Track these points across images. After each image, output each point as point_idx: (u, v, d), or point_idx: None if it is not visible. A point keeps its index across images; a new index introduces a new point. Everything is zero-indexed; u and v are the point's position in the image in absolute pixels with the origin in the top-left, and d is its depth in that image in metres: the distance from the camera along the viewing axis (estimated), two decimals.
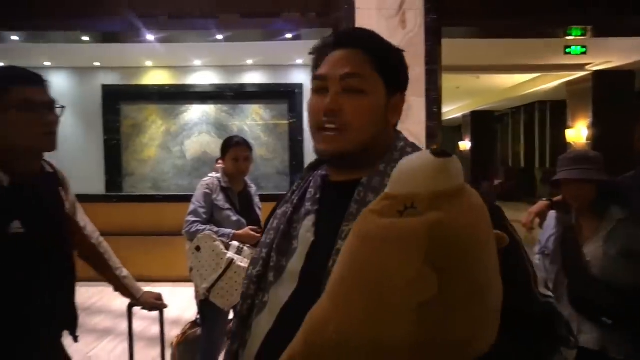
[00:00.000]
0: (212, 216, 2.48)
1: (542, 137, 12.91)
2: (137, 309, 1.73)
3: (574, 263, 1.78)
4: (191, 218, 2.45)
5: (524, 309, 0.60)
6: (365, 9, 3.31)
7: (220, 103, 7.51)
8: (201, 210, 2.45)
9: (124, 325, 3.86)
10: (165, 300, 1.74)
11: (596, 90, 8.16)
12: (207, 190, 2.49)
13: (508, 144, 15.21)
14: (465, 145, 15.13)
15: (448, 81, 7.04)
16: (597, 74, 8.05)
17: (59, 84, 6.98)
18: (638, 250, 1.67)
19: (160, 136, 7.59)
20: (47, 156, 1.40)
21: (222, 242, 2.34)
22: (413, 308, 0.43)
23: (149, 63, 7.25)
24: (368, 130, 0.78)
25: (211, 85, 7.43)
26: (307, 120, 0.84)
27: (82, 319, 1.48)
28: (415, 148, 0.82)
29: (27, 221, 1.23)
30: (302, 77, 7.14)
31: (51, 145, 1.29)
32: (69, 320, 1.42)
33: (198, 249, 2.31)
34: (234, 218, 2.48)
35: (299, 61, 6.93)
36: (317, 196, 0.81)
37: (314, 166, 0.90)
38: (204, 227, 2.40)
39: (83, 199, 1.58)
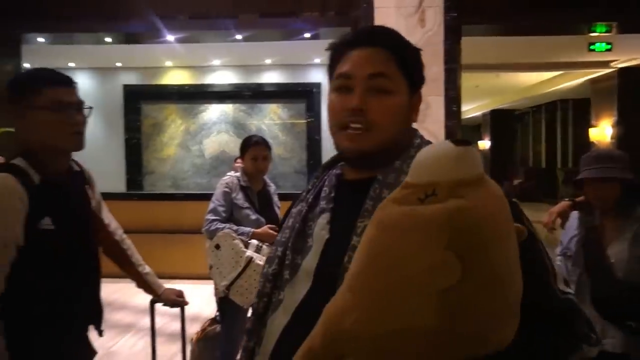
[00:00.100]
0: (232, 215, 2.51)
1: (564, 136, 12.66)
2: (157, 305, 1.76)
3: (598, 265, 1.75)
4: (211, 216, 2.48)
5: (543, 305, 0.60)
6: (384, 8, 3.29)
7: (239, 102, 7.57)
8: (221, 209, 2.48)
9: (144, 320, 3.94)
10: (185, 297, 1.76)
11: (621, 88, 7.96)
12: (227, 189, 2.52)
13: (528, 143, 14.96)
14: (484, 144, 14.94)
15: (467, 80, 6.95)
16: (623, 71, 7.86)
17: (82, 84, 7.08)
18: None
19: (179, 135, 7.69)
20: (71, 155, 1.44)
21: (242, 240, 2.36)
22: (435, 294, 0.43)
23: (168, 63, 7.35)
24: (392, 130, 0.78)
25: (230, 84, 7.50)
26: (326, 118, 0.84)
27: (105, 314, 1.51)
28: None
29: (56, 218, 1.27)
30: (320, 77, 7.15)
31: (79, 145, 1.33)
32: (95, 314, 1.45)
33: (218, 247, 2.33)
34: (253, 217, 2.50)
35: (317, 60, 6.94)
36: (332, 194, 0.82)
37: (329, 165, 0.91)
38: (223, 225, 2.42)
39: (105, 197, 1.61)
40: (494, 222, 0.47)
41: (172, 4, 3.89)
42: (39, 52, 5.29)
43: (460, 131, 3.46)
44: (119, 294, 4.44)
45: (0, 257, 1.17)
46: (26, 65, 4.74)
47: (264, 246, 2.39)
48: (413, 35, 3.25)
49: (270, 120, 7.57)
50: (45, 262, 1.26)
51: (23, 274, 1.20)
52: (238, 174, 2.61)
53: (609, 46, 5.72)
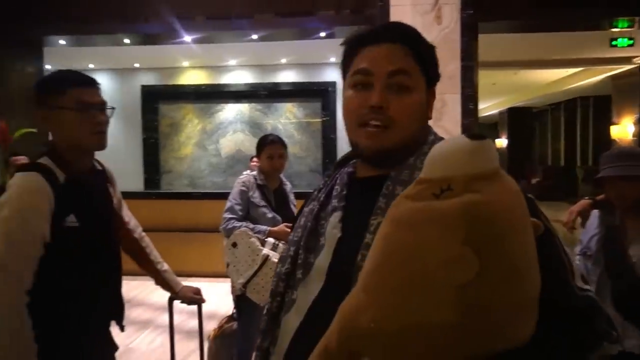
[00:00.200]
0: (248, 213, 2.52)
1: (584, 134, 12.41)
2: (175, 303, 1.78)
3: (618, 264, 1.71)
4: (228, 215, 2.50)
5: (560, 301, 0.58)
6: (400, 5, 3.28)
7: (255, 102, 7.62)
8: (237, 208, 2.50)
9: (162, 317, 3.99)
10: (202, 295, 1.77)
11: None
12: (244, 188, 2.54)
13: (547, 141, 14.70)
14: (501, 142, 14.76)
15: (484, 77, 6.87)
16: None
17: (101, 85, 7.25)
18: None
19: (196, 134, 7.77)
20: None
21: (258, 238, 2.38)
22: (452, 289, 0.43)
23: (185, 63, 7.43)
24: (412, 127, 0.78)
25: (246, 84, 7.55)
26: (342, 115, 0.82)
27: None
28: None
29: (80, 215, 1.30)
30: (335, 76, 7.15)
31: (102, 144, 1.37)
32: (116, 310, 1.49)
33: (235, 245, 2.35)
34: (270, 215, 2.51)
35: (333, 59, 6.94)
36: (344, 193, 0.81)
37: (341, 163, 0.90)
38: (240, 223, 2.44)
39: (123, 195, 1.64)
40: (511, 216, 0.46)
41: (190, 5, 3.94)
42: (60, 54, 5.40)
43: (477, 129, 3.43)
44: (138, 291, 4.52)
45: (29, 254, 1.21)
46: (48, 67, 4.84)
47: (281, 244, 2.40)
48: (429, 33, 3.23)
49: (286, 119, 7.60)
50: (70, 258, 1.29)
51: (49, 270, 1.24)
52: (255, 172, 2.62)
53: (631, 41, 5.58)
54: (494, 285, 0.43)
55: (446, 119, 3.29)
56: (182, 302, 1.74)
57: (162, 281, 1.70)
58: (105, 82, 7.50)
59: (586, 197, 1.98)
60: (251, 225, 2.44)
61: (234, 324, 2.58)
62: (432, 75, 0.81)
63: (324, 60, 7.08)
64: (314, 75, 7.38)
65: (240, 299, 2.42)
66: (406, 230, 0.47)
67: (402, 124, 0.76)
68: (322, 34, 4.00)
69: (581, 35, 5.38)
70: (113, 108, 1.41)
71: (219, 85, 7.60)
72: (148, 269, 1.69)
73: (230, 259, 2.38)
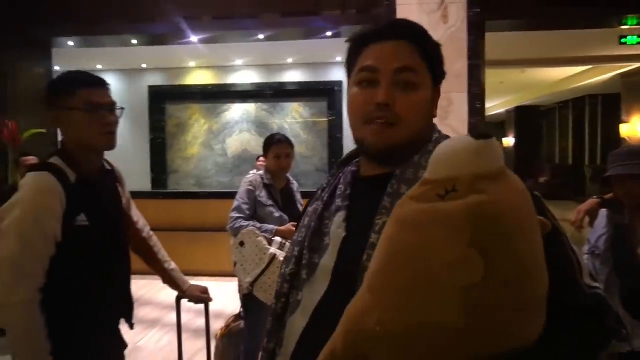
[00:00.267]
0: (256, 212, 2.53)
1: (592, 132, 12.31)
2: (182, 301, 1.79)
3: (627, 264, 1.70)
4: (235, 214, 2.51)
5: (569, 300, 0.58)
6: (406, 5, 3.28)
7: (261, 101, 7.63)
8: (245, 207, 2.51)
9: (170, 316, 4.02)
10: (209, 294, 1.77)
11: None
12: (251, 187, 2.55)
13: (555, 140, 14.60)
14: (508, 141, 14.67)
15: (491, 76, 6.84)
16: None
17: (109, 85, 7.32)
18: None
19: (203, 134, 7.80)
20: None
21: (265, 237, 2.38)
22: (457, 291, 0.42)
23: (192, 64, 7.46)
24: (418, 125, 0.77)
25: (252, 84, 7.57)
26: (347, 113, 0.82)
27: None
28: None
29: (91, 215, 1.32)
30: (341, 75, 7.15)
31: (111, 144, 1.38)
32: (126, 308, 1.50)
33: (242, 244, 2.36)
34: (277, 214, 2.52)
35: (339, 59, 6.94)
36: (347, 192, 0.81)
37: (345, 162, 0.89)
38: (247, 223, 2.45)
39: (131, 195, 1.65)
40: (517, 216, 0.46)
41: (196, 5, 3.96)
42: (68, 55, 5.44)
43: (484, 128, 3.41)
44: (146, 290, 4.54)
45: (41, 252, 1.23)
46: (56, 68, 4.89)
47: (288, 243, 2.40)
48: (436, 32, 3.21)
49: (292, 119, 7.61)
50: (80, 257, 1.31)
51: (60, 269, 1.26)
52: (261, 172, 2.63)
53: None
54: (500, 287, 0.43)
55: (453, 118, 3.28)
56: (189, 301, 1.75)
57: (170, 280, 1.71)
58: (113, 83, 7.46)
59: (594, 196, 1.96)
60: (258, 225, 2.45)
61: (241, 323, 2.59)
62: (438, 73, 0.81)
63: (330, 60, 7.08)
64: (320, 75, 7.38)
65: (248, 298, 2.43)
66: (411, 231, 0.47)
67: (408, 121, 0.75)
68: (328, 34, 4.00)
69: (590, 33, 5.33)
70: (122, 108, 1.42)
71: (225, 85, 7.62)
72: (156, 268, 1.71)
73: (237, 258, 2.39)
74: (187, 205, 5.51)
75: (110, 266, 1.41)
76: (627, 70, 8.26)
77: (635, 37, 5.50)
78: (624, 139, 8.32)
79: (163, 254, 1.71)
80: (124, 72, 7.66)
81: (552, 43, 6.22)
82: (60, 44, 4.56)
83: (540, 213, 0.51)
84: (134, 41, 4.47)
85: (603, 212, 1.88)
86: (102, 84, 1.38)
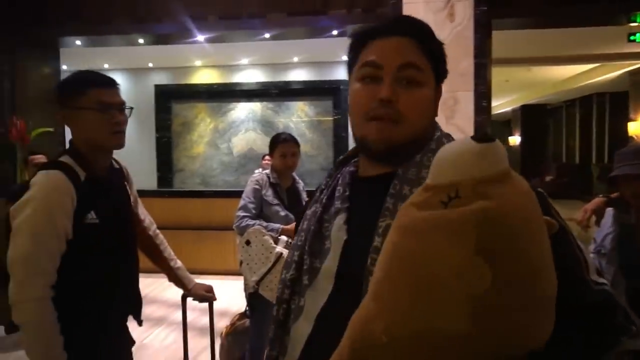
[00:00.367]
0: (262, 211, 2.54)
1: (599, 131, 12.22)
2: (188, 300, 1.80)
3: (633, 263, 1.69)
4: (241, 213, 2.52)
5: (577, 298, 0.57)
6: (412, 3, 3.27)
7: (266, 100, 7.64)
8: (251, 206, 2.52)
9: (175, 314, 4.04)
10: (214, 293, 1.79)
11: None
12: (257, 186, 2.56)
13: (562, 138, 14.51)
14: (514, 140, 14.59)
15: (497, 74, 6.81)
16: None
17: None
18: None
19: (208, 133, 7.82)
20: None
21: (271, 236, 2.39)
22: (465, 298, 0.42)
23: (198, 63, 7.48)
24: (421, 123, 0.75)
25: (257, 83, 7.58)
26: (349, 109, 0.80)
27: None
28: (450, 138, 0.79)
29: (100, 212, 1.34)
30: (346, 74, 7.14)
31: (121, 144, 1.40)
32: (134, 305, 1.52)
33: (248, 242, 2.37)
34: (282, 213, 2.53)
35: (344, 58, 6.80)
36: (347, 193, 0.78)
37: (342, 162, 0.87)
38: (253, 221, 2.46)
39: (138, 194, 1.67)
40: (523, 218, 0.45)
41: (202, 4, 3.98)
42: (75, 54, 5.48)
43: (490, 127, 3.40)
44: (152, 288, 4.57)
45: (53, 249, 1.25)
46: (64, 67, 4.92)
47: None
48: (442, 30, 3.21)
49: (297, 117, 7.61)
50: (90, 254, 1.33)
51: (70, 265, 1.27)
52: (267, 171, 2.64)
53: None
54: (508, 291, 0.42)
55: (459, 117, 3.27)
56: (194, 300, 1.76)
57: (175, 278, 1.72)
58: (119, 82, 7.41)
59: (600, 195, 1.95)
60: (264, 223, 2.46)
61: (246, 321, 2.60)
62: (441, 71, 0.79)
63: (335, 59, 7.07)
64: (325, 74, 7.38)
65: (253, 297, 2.44)
66: (416, 239, 0.46)
67: (411, 119, 0.73)
68: (334, 33, 4.00)
69: (598, 31, 5.29)
70: (131, 108, 1.44)
71: (231, 84, 7.64)
72: (162, 266, 1.72)
73: (243, 256, 2.40)
74: (193, 204, 5.54)
75: (119, 263, 1.42)
76: (635, 68, 8.19)
77: None
78: (631, 137, 8.25)
79: (169, 252, 1.73)
80: (130, 71, 7.69)
81: (559, 41, 6.18)
82: (67, 44, 4.60)
83: (544, 211, 0.50)
84: (141, 40, 4.49)
85: (609, 211, 1.87)
86: (112, 84, 1.40)
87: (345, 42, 0.87)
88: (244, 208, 2.52)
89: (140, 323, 1.54)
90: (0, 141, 4.02)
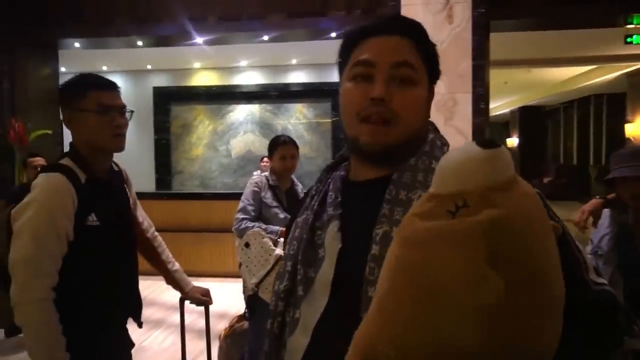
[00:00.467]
0: (261, 213, 2.54)
1: (597, 132, 12.25)
2: (186, 302, 1.79)
3: (631, 263, 1.69)
4: (240, 215, 2.52)
5: (577, 298, 0.55)
6: (411, 5, 3.28)
7: (265, 102, 7.65)
8: (250, 208, 2.52)
9: (174, 317, 4.03)
10: (213, 295, 1.78)
11: None
12: (256, 189, 2.56)
13: (559, 140, 14.55)
14: (512, 142, 14.63)
15: (495, 76, 6.82)
16: None
17: None
18: None
19: (207, 135, 7.83)
20: None
21: (271, 238, 2.39)
22: (476, 310, 0.40)
23: (197, 65, 7.48)
24: (415, 124, 0.73)
25: (256, 85, 7.59)
26: (340, 110, 0.76)
27: None
28: (443, 139, 0.77)
29: (101, 214, 1.35)
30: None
31: (121, 146, 1.41)
32: (134, 307, 1.52)
33: (247, 245, 2.37)
34: (282, 215, 2.53)
35: None
36: (339, 199, 0.75)
37: (333, 167, 0.84)
38: (252, 224, 2.46)
39: (137, 196, 1.67)
40: (532, 225, 0.43)
41: (202, 6, 3.98)
42: (73, 56, 5.48)
43: (488, 128, 3.41)
44: (150, 291, 4.56)
45: (55, 251, 1.25)
46: (62, 69, 4.92)
47: None
48: (441, 32, 3.22)
49: (296, 119, 7.62)
50: (90, 256, 1.33)
51: (71, 267, 1.28)
52: (266, 173, 2.64)
53: None
54: (519, 300, 0.41)
55: (457, 118, 3.28)
56: (191, 303, 1.76)
57: (173, 281, 1.73)
58: (119, 84, 7.50)
59: (597, 197, 1.95)
60: (264, 226, 2.46)
61: (245, 324, 2.59)
62: (434, 72, 0.77)
63: (334, 61, 7.05)
64: (324, 76, 7.39)
65: (252, 299, 2.44)
66: (422, 251, 0.44)
67: (406, 119, 0.71)
68: (333, 34, 4.01)
69: (595, 33, 5.31)
70: (132, 111, 1.45)
71: (230, 86, 7.65)
72: (159, 268, 1.72)
73: (242, 259, 2.40)
74: (192, 206, 5.53)
75: (119, 265, 1.43)
76: (632, 70, 8.22)
77: None
78: (628, 138, 8.28)
79: (167, 254, 1.73)
80: (129, 73, 7.69)
81: (556, 43, 6.20)
82: (66, 45, 4.59)
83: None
84: (140, 42, 4.50)
85: (606, 212, 1.87)
86: (113, 87, 1.41)
87: None
88: (243, 210, 2.52)
89: (140, 325, 1.55)
90: None
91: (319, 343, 0.68)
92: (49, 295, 1.22)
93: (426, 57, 0.74)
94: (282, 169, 2.58)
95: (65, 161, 1.34)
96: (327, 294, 0.69)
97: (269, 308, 0.78)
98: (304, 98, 7.55)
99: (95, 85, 1.37)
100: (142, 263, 1.67)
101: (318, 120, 7.56)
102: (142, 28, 4.12)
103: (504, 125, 16.48)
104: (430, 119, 0.80)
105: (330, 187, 0.78)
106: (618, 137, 9.55)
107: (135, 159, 7.16)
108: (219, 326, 2.77)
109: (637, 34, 5.45)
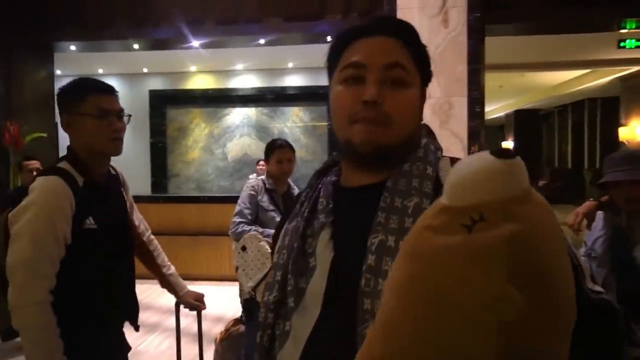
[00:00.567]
0: (257, 217, 2.55)
1: (591, 136, 12.33)
2: (182, 306, 1.80)
3: (624, 266, 1.70)
4: (237, 219, 2.52)
5: (578, 309, 0.54)
6: (407, 9, 3.30)
7: (262, 106, 7.66)
8: (247, 212, 2.52)
9: (169, 321, 4.02)
10: (209, 298, 1.79)
11: None
12: (253, 192, 2.56)
13: (554, 143, 14.63)
14: (507, 145, 14.69)
15: (491, 80, 6.85)
16: None
17: None
18: None
19: (203, 139, 7.82)
20: None
21: (267, 242, 2.39)
22: (496, 329, 0.38)
23: (193, 68, 7.48)
24: (408, 126, 0.71)
25: (253, 88, 7.59)
26: (331, 114, 0.74)
27: None
28: (436, 142, 0.76)
29: (98, 218, 1.35)
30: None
31: (118, 150, 1.41)
32: (131, 310, 1.52)
33: (244, 248, 2.37)
34: (278, 219, 2.53)
35: None
36: (330, 206, 0.72)
37: (323, 172, 0.81)
38: (249, 227, 2.46)
39: (133, 199, 1.67)
40: (552, 239, 0.42)
41: (199, 10, 3.98)
42: (69, 59, 5.47)
43: (484, 132, 3.43)
44: (146, 295, 4.54)
45: (53, 254, 1.25)
46: (58, 72, 4.91)
47: None
48: (436, 36, 3.24)
49: (292, 123, 7.63)
50: (88, 259, 1.33)
51: (68, 270, 1.28)
52: (263, 176, 2.65)
53: (639, 42, 5.56)
54: (540, 317, 0.39)
55: (453, 122, 3.29)
56: (184, 307, 1.77)
57: (168, 284, 1.73)
58: (114, 87, 7.55)
59: (591, 199, 1.96)
60: (260, 229, 2.46)
61: (241, 327, 2.59)
62: (426, 74, 0.75)
63: None
64: (320, 79, 7.38)
65: (249, 303, 2.44)
66: (440, 270, 0.41)
67: (399, 121, 0.68)
68: (329, 38, 4.02)
69: (589, 37, 5.35)
70: (130, 115, 1.45)
71: (226, 89, 7.65)
72: (155, 271, 1.72)
73: (239, 262, 2.40)
74: (188, 210, 5.52)
75: (116, 268, 1.43)
76: (626, 74, 8.29)
77: (634, 40, 5.53)
78: (622, 142, 8.34)
79: (162, 258, 1.73)
80: (124, 76, 7.68)
81: (551, 47, 6.25)
82: (62, 48, 4.59)
83: None
84: (136, 46, 4.49)
85: (600, 214, 1.88)
86: (111, 91, 1.42)
87: None
88: (240, 214, 2.52)
89: (137, 328, 1.54)
90: None
91: (311, 356, 0.65)
92: (47, 298, 1.22)
93: (417, 59, 0.72)
94: (279, 172, 2.58)
95: (63, 164, 1.35)
96: (320, 306, 0.66)
97: (258, 320, 0.75)
98: (300, 101, 7.56)
99: (94, 90, 1.37)
100: (138, 267, 1.67)
101: (314, 123, 7.57)
102: (139, 31, 4.11)
103: (499, 129, 16.55)
104: (425, 122, 0.78)
105: (321, 193, 0.75)
106: (612, 141, 9.61)
107: (131, 162, 7.13)
108: (215, 330, 2.76)
109: (631, 39, 5.51)
